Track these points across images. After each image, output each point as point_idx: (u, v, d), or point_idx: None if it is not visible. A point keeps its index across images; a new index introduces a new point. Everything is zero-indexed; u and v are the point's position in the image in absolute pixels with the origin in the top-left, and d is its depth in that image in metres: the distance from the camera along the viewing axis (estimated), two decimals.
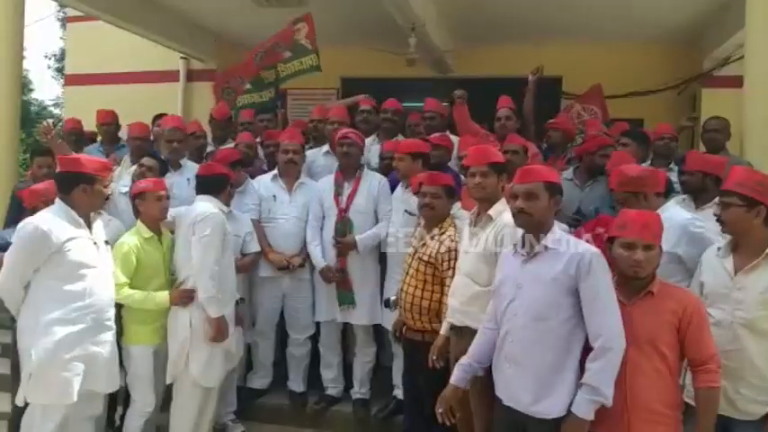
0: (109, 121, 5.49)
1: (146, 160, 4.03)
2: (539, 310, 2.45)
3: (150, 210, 3.48)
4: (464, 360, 2.73)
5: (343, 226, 4.07)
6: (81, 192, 3.06)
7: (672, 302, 2.40)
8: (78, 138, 5.41)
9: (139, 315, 3.41)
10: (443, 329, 3.16)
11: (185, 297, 3.41)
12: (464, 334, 2.96)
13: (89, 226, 3.13)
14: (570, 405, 2.35)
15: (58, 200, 3.09)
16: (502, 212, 2.93)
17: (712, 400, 2.40)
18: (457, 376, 2.72)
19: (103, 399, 3.30)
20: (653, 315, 2.41)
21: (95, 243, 3.12)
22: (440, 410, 2.70)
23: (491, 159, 3.02)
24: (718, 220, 2.73)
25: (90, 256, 3.06)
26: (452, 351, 3.07)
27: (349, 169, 4.18)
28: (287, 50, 5.31)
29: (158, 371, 3.51)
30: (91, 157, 3.38)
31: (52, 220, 2.97)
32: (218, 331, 3.44)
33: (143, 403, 3.45)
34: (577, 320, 2.41)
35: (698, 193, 3.53)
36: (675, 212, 3.03)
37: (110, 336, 3.14)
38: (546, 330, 2.43)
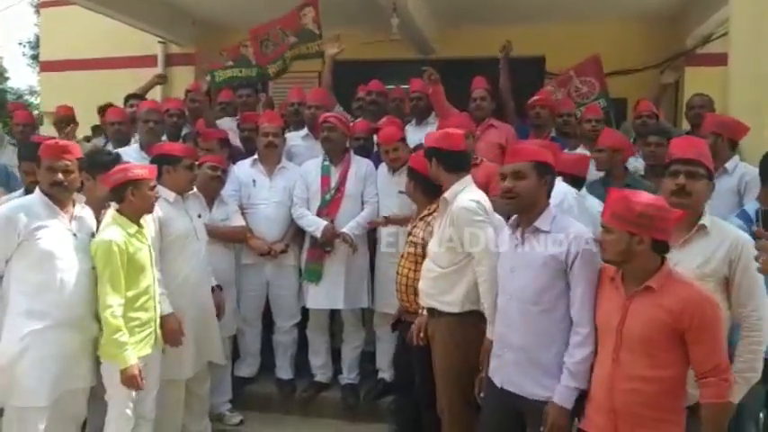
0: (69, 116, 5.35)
1: None
2: (529, 294, 2.44)
3: (144, 200, 3.02)
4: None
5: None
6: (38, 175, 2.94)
7: (671, 299, 2.11)
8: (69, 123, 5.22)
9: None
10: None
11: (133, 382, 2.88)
12: (435, 315, 2.97)
13: (71, 215, 2.96)
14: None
15: (37, 187, 2.98)
16: (457, 194, 2.88)
17: (714, 418, 2.14)
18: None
19: (86, 399, 3.03)
20: (647, 313, 2.15)
21: (75, 234, 2.95)
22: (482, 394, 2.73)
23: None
24: (680, 192, 2.41)
25: (64, 247, 2.87)
26: (429, 331, 3.05)
27: (334, 153, 4.11)
28: (292, 36, 5.15)
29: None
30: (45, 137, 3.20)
31: (22, 208, 2.85)
32: None
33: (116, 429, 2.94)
34: (568, 303, 2.39)
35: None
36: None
37: (84, 332, 2.92)
38: (538, 314, 2.42)
